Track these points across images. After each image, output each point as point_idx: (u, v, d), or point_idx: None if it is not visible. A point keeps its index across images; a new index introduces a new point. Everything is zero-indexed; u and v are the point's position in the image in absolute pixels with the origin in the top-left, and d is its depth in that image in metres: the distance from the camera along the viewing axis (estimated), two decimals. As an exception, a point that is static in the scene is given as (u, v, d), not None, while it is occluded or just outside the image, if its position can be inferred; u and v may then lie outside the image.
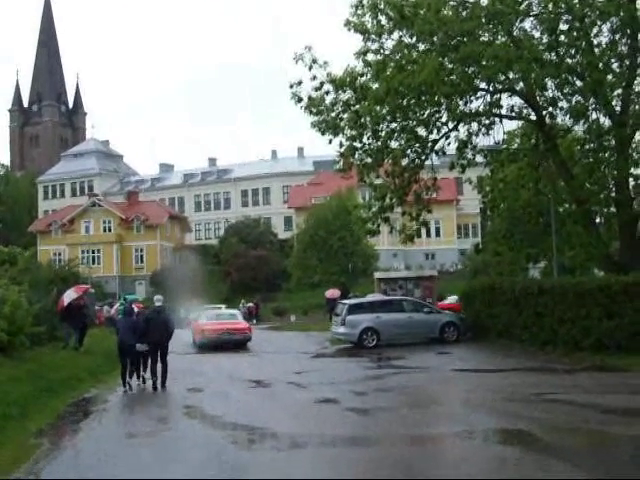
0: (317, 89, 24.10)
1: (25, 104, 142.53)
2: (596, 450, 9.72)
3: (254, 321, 57.02)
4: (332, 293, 44.98)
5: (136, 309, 37.82)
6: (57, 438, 11.95)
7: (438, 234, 76.95)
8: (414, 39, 23.20)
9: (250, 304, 59.10)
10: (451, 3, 22.85)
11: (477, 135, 24.58)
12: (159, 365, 17.34)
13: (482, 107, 23.94)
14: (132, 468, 9.50)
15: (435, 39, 22.35)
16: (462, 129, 24.55)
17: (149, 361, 17.63)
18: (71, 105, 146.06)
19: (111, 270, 79.54)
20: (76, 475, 9.15)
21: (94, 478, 7.91)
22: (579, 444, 10.00)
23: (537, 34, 22.76)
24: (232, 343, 28.97)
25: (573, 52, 22.41)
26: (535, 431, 10.82)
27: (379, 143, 24.33)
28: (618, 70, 22.60)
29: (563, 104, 22.87)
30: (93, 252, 78.23)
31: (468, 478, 7.24)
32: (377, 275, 41.99)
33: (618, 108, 23.02)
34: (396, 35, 23.59)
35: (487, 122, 24.38)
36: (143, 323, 17.57)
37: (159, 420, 13.31)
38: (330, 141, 24.53)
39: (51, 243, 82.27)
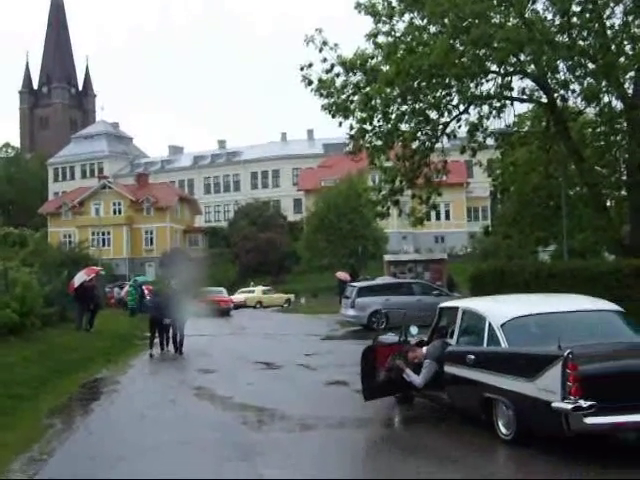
0: (327, 71, 24.00)
1: (35, 86, 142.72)
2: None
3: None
4: (343, 275, 45.08)
5: (146, 291, 38.29)
6: (69, 418, 12.04)
7: (448, 217, 76.91)
8: (425, 21, 23.05)
9: (260, 287, 59.37)
10: (463, -16, 22.69)
11: (488, 118, 24.46)
12: (178, 334, 21.05)
13: (493, 90, 23.81)
14: (143, 449, 9.57)
15: (446, 21, 22.18)
16: (473, 112, 24.44)
17: (170, 332, 21.22)
18: (81, 87, 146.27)
19: (121, 252, 79.79)
20: (89, 455, 9.22)
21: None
22: None
23: (549, 16, 22.58)
24: (218, 311, 37.91)
25: (585, 34, 22.23)
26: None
27: (389, 126, 24.23)
28: (631, 52, 22.41)
29: (575, 87, 22.72)
30: (103, 234, 78.46)
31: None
32: (387, 258, 42.06)
33: (630, 91, 22.86)
34: (407, 17, 23.45)
35: (498, 105, 24.24)
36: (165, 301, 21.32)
37: (170, 401, 13.38)
38: (340, 124, 24.46)
39: (61, 225, 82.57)
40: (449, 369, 10.18)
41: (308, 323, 33.12)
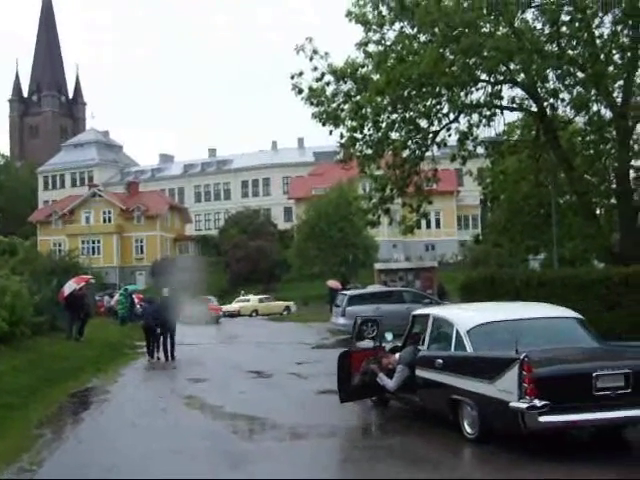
0: (318, 80, 24.04)
1: (25, 94, 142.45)
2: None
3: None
4: (334, 283, 45.06)
5: (136, 299, 38.13)
6: (59, 428, 11.99)
7: (438, 225, 77.07)
8: (415, 30, 23.13)
9: (256, 295, 59.32)
10: (452, -7, 22.78)
11: (478, 126, 24.53)
12: (169, 341, 21.55)
13: (483, 98, 23.88)
14: (134, 458, 9.54)
15: (436, 30, 22.26)
16: (463, 120, 24.49)
17: (161, 339, 21.74)
18: (71, 95, 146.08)
19: (111, 260, 79.61)
20: (79, 465, 9.18)
21: (95, 478, 7.92)
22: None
23: (539, 25, 22.68)
24: (208, 317, 39.19)
25: (575, 43, 22.35)
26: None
27: (380, 134, 24.27)
28: (620, 62, 22.54)
29: (564, 96, 22.82)
30: (93, 242, 78.28)
31: (468, 478, 7.28)
32: (377, 266, 42.07)
33: (619, 100, 22.98)
34: (397, 26, 23.51)
35: (488, 113, 24.32)
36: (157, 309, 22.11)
37: (161, 410, 13.35)
38: (331, 132, 24.49)
39: (51, 233, 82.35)
40: (420, 373, 10.71)
41: (299, 331, 33.08)
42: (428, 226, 67.21)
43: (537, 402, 8.30)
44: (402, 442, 10.06)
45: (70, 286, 24.90)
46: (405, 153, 25.07)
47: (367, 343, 12.94)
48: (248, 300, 54.71)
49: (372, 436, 10.78)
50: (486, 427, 9.21)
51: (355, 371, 11.91)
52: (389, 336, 12.42)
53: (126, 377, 18.77)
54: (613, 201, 25.59)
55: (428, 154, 25.43)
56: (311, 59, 23.64)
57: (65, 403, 14.39)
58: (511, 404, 8.51)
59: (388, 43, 23.69)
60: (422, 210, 26.34)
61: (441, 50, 21.96)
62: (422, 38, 23.25)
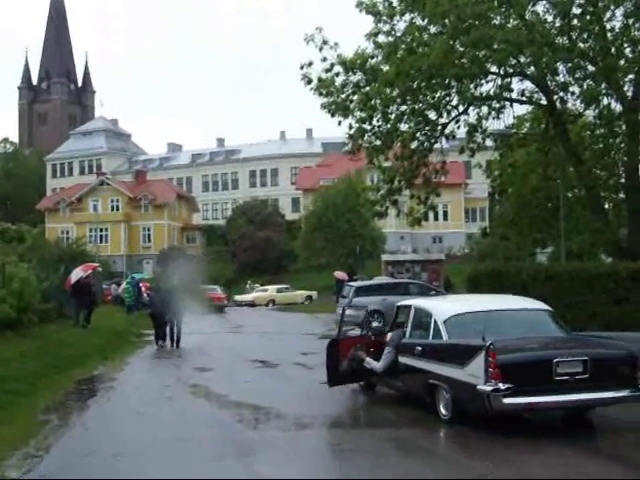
0: (327, 70, 24.01)
1: (34, 82, 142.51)
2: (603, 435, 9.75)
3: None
4: (341, 275, 45.04)
5: (143, 288, 38.25)
6: (65, 415, 12.03)
7: (446, 218, 76.94)
8: (425, 21, 23.06)
9: (257, 285, 59.31)
10: (464, -15, 22.69)
11: (487, 119, 24.48)
12: (175, 329, 22.07)
13: (492, 91, 23.82)
14: (140, 446, 9.57)
15: (447, 22, 22.20)
16: (472, 113, 24.45)
17: (167, 327, 22.19)
18: (80, 83, 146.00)
19: (118, 249, 79.69)
20: (85, 451, 9.22)
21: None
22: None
23: (549, 18, 22.60)
24: (213, 307, 37.96)
25: (586, 36, 22.25)
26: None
27: (389, 125, 24.23)
28: (631, 55, 22.43)
29: (574, 89, 22.75)
30: (101, 231, 78.38)
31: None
32: (384, 258, 42.11)
33: (630, 93, 22.88)
34: (407, 17, 23.46)
35: (497, 106, 24.25)
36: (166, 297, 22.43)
37: (167, 398, 13.39)
38: (339, 123, 24.46)
39: (59, 221, 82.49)
40: (402, 359, 11.63)
41: (305, 322, 33.11)
42: (436, 218, 67.08)
43: (501, 385, 9.07)
44: (409, 434, 10.07)
45: (77, 274, 24.96)
46: (414, 145, 25.04)
47: (354, 331, 13.85)
48: (266, 290, 54.41)
49: (377, 427, 10.77)
50: (458, 409, 9.98)
51: (343, 357, 12.66)
52: (375, 324, 13.22)
53: (132, 365, 18.84)
54: (622, 195, 25.53)
55: (437, 146, 25.39)
56: (321, 49, 23.63)
57: (71, 390, 14.45)
58: (478, 387, 9.27)
59: (398, 34, 23.64)
60: (430, 202, 26.31)
61: (451, 42, 21.90)
62: (432, 30, 23.18)
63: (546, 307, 11.71)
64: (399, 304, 13.05)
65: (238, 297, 53.49)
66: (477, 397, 9.35)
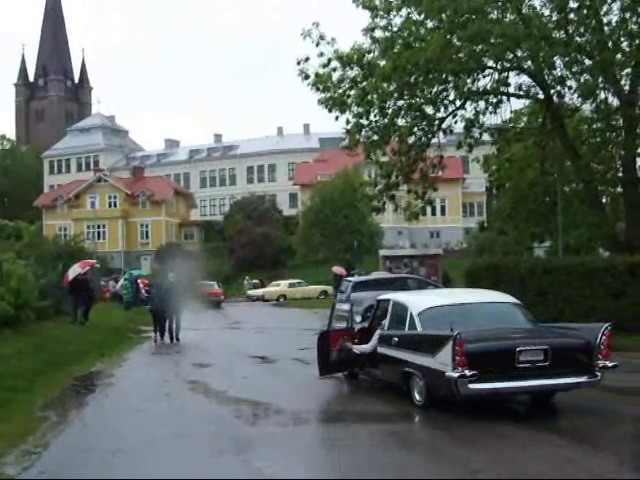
0: (324, 66, 23.98)
1: (31, 78, 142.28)
2: (603, 429, 9.79)
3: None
4: (339, 270, 44.95)
5: (141, 284, 38.19)
6: (64, 411, 12.03)
7: (443, 212, 76.98)
8: (422, 16, 23.04)
9: (255, 281, 59.26)
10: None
11: (484, 114, 24.47)
12: (174, 324, 22.55)
13: (489, 85, 23.81)
14: (138, 442, 9.57)
15: (443, 16, 22.18)
16: (469, 107, 24.45)
17: (167, 322, 22.68)
18: (77, 80, 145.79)
19: (116, 245, 79.67)
20: (83, 448, 9.22)
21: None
22: (582, 423, 10.03)
23: (546, 12, 22.58)
24: (210, 302, 38.78)
25: (582, 30, 22.24)
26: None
27: (386, 120, 24.22)
28: (628, 49, 22.43)
29: (571, 83, 22.74)
30: (98, 227, 78.38)
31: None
32: (382, 253, 42.02)
33: (627, 87, 22.89)
34: (404, 12, 23.43)
35: (494, 100, 24.25)
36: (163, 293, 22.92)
37: (165, 394, 13.40)
38: (337, 118, 24.45)
39: (56, 218, 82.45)
40: (380, 350, 12.33)
41: (303, 317, 33.11)
42: (433, 213, 67.11)
43: (467, 372, 9.79)
44: (406, 428, 10.09)
45: (74, 270, 24.93)
46: (411, 140, 25.03)
47: (341, 324, 14.72)
48: (278, 284, 54.31)
49: (376, 422, 10.78)
50: (431, 395, 10.73)
51: (332, 349, 13.48)
52: (358, 318, 14.34)
53: (131, 361, 18.84)
54: (619, 189, 25.54)
55: (434, 141, 25.38)
56: (317, 45, 23.60)
57: (70, 387, 14.43)
58: (447, 374, 9.97)
59: (395, 29, 23.61)
60: (427, 197, 26.32)
61: (448, 36, 21.88)
62: (429, 24, 23.16)
63: (514, 300, 12.41)
64: (379, 298, 13.81)
65: (250, 292, 53.75)
66: (446, 383, 10.06)
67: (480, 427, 9.65)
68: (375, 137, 24.66)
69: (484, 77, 23.73)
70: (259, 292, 53.22)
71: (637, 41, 22.28)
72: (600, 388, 10.99)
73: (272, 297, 51.21)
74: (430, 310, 11.59)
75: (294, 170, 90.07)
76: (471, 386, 9.90)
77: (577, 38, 22.10)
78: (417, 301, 12.27)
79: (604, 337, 10.56)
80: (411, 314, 11.69)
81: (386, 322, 12.61)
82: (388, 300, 13.08)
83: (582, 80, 22.40)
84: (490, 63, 23.17)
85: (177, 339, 22.55)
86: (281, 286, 53.73)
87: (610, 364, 10.48)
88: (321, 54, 23.72)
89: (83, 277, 24.97)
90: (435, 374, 10.36)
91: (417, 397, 11.02)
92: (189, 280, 25.28)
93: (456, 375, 9.86)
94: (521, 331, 11.18)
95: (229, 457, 8.62)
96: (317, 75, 23.98)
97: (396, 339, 11.79)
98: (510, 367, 10.08)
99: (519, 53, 22.45)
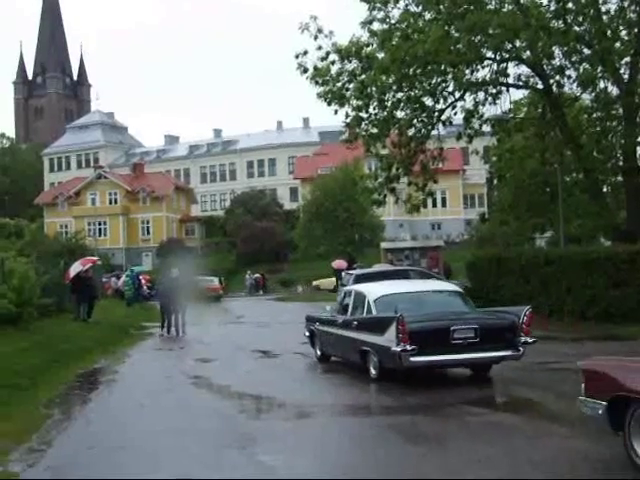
0: (323, 59, 23.98)
1: (29, 76, 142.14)
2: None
3: (261, 292, 57.21)
4: (340, 264, 44.97)
5: (143, 281, 38.16)
6: (67, 408, 12.04)
7: (444, 204, 76.87)
8: (420, 8, 23.02)
9: (257, 275, 59.24)
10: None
11: (484, 105, 24.49)
12: (180, 319, 23.30)
13: (489, 76, 23.81)
14: (142, 438, 9.57)
15: (441, 7, 22.14)
16: (468, 98, 24.46)
17: (173, 316, 23.50)
18: (75, 77, 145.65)
19: (117, 242, 79.70)
20: (88, 445, 9.23)
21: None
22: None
23: (544, 1, 22.59)
24: (209, 297, 39.90)
25: (581, 20, 22.21)
26: (540, 399, 10.98)
27: (385, 113, 24.22)
28: (627, 38, 22.40)
29: (571, 73, 22.75)
30: (99, 224, 78.40)
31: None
32: (383, 245, 42.05)
33: (626, 76, 22.85)
34: (402, 4, 23.45)
35: (494, 91, 24.24)
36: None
37: (168, 390, 13.39)
38: (336, 112, 24.46)
39: (57, 215, 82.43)
40: (344, 332, 14.08)
41: (305, 311, 33.03)
42: (434, 205, 67.01)
43: (408, 347, 11.60)
44: (412, 421, 10.08)
45: (76, 268, 24.91)
46: (411, 132, 25.04)
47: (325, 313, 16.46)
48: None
49: (380, 415, 10.79)
50: (382, 368, 12.51)
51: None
52: (328, 307, 16.61)
53: (133, 358, 18.84)
54: (620, 178, 25.53)
55: (434, 133, 25.39)
56: (316, 38, 23.60)
57: (73, 384, 14.43)
58: (392, 349, 11.79)
59: (393, 21, 23.60)
60: (428, 189, 26.32)
61: (446, 28, 21.86)
62: (427, 16, 23.14)
63: (457, 289, 14.83)
64: (345, 289, 16.12)
65: (315, 282, 53.78)
66: (392, 357, 11.91)
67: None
68: (375, 130, 24.66)
69: (483, 68, 23.73)
70: (315, 283, 53.11)
71: (636, 30, 22.26)
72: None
73: (327, 287, 51.05)
74: (384, 297, 13.42)
75: (294, 164, 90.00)
76: (412, 359, 11.71)
77: (576, 27, 22.08)
78: (374, 290, 14.13)
79: (526, 317, 12.39)
80: (368, 301, 13.54)
81: (349, 308, 14.33)
82: (351, 290, 15.08)
83: (581, 69, 22.40)
84: (489, 54, 23.16)
85: (184, 332, 23.19)
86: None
87: (530, 340, 12.32)
88: (319, 47, 23.74)
89: (85, 275, 24.96)
90: (384, 350, 12.16)
91: (372, 371, 12.80)
92: (188, 276, 25.91)
93: (399, 349, 11.65)
94: (457, 314, 13.03)
95: (234, 452, 8.62)
96: (316, 68, 23.97)
97: (355, 323, 13.60)
98: (446, 343, 11.96)
99: (518, 43, 22.43)
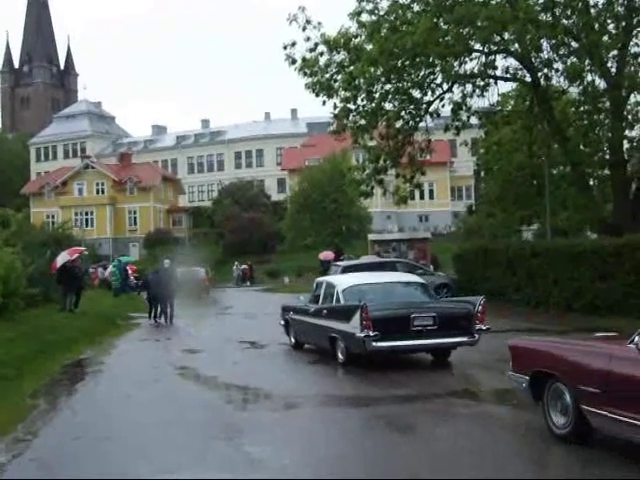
0: (311, 50, 23.95)
1: (16, 65, 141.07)
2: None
3: (248, 283, 57.19)
4: (326, 255, 45.00)
5: (130, 271, 38.07)
6: (53, 399, 12.01)
7: (432, 196, 76.94)
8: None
9: (244, 266, 59.19)
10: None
11: (471, 97, 24.52)
12: (169, 308, 23.83)
13: (477, 68, 23.83)
14: (129, 429, 9.57)
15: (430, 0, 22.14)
16: (456, 91, 24.50)
17: (163, 305, 24.04)
18: (62, 66, 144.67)
19: (104, 232, 79.43)
20: (73, 436, 9.21)
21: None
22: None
23: (533, -6, 22.55)
24: (198, 288, 37.65)
25: (569, 13, 22.24)
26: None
27: (373, 105, 24.21)
28: (614, 31, 22.44)
29: (558, 65, 22.79)
30: (86, 214, 78.05)
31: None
32: (371, 237, 42.04)
33: (614, 70, 22.92)
34: (391, -5, 23.37)
35: (482, 84, 24.28)
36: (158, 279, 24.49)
37: (155, 381, 13.38)
38: (324, 103, 24.45)
39: (44, 205, 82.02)
40: (313, 321, 15.03)
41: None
42: (422, 197, 67.05)
43: (371, 333, 12.48)
44: (398, 412, 10.11)
45: (63, 257, 24.81)
46: (399, 124, 25.06)
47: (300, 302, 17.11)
48: None
49: (366, 406, 10.82)
50: (349, 353, 13.41)
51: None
52: (302, 297, 17.37)
53: (120, 348, 18.81)
54: (607, 171, 25.63)
55: (422, 125, 25.42)
56: (304, 29, 23.56)
57: (59, 374, 14.40)
58: (356, 334, 12.69)
59: (381, 13, 23.57)
60: (415, 181, 26.36)
61: (435, 20, 21.86)
62: (416, 8, 23.12)
63: (420, 280, 15.66)
64: (317, 280, 16.77)
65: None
66: (357, 342, 12.83)
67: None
68: (363, 121, 24.66)
69: (471, 60, 23.75)
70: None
71: (623, 23, 22.31)
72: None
73: None
74: (352, 288, 14.31)
75: (282, 155, 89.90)
76: (375, 344, 12.61)
77: (564, 20, 22.11)
78: (343, 281, 15.17)
79: (481, 307, 13.31)
80: (337, 291, 14.40)
81: (320, 298, 15.13)
82: (322, 281, 16.00)
83: (569, 63, 22.44)
84: (477, 46, 23.18)
85: (172, 321, 23.76)
86: None
87: (484, 327, 13.28)
88: (308, 39, 23.70)
89: (72, 265, 24.86)
90: (350, 336, 13.02)
91: (340, 356, 13.68)
92: (176, 267, 27.14)
93: (363, 335, 12.54)
94: (418, 303, 13.99)
95: (221, 443, 8.62)
96: (304, 60, 23.93)
97: (325, 311, 14.48)
98: (406, 330, 12.85)
99: (506, 36, 22.46)
